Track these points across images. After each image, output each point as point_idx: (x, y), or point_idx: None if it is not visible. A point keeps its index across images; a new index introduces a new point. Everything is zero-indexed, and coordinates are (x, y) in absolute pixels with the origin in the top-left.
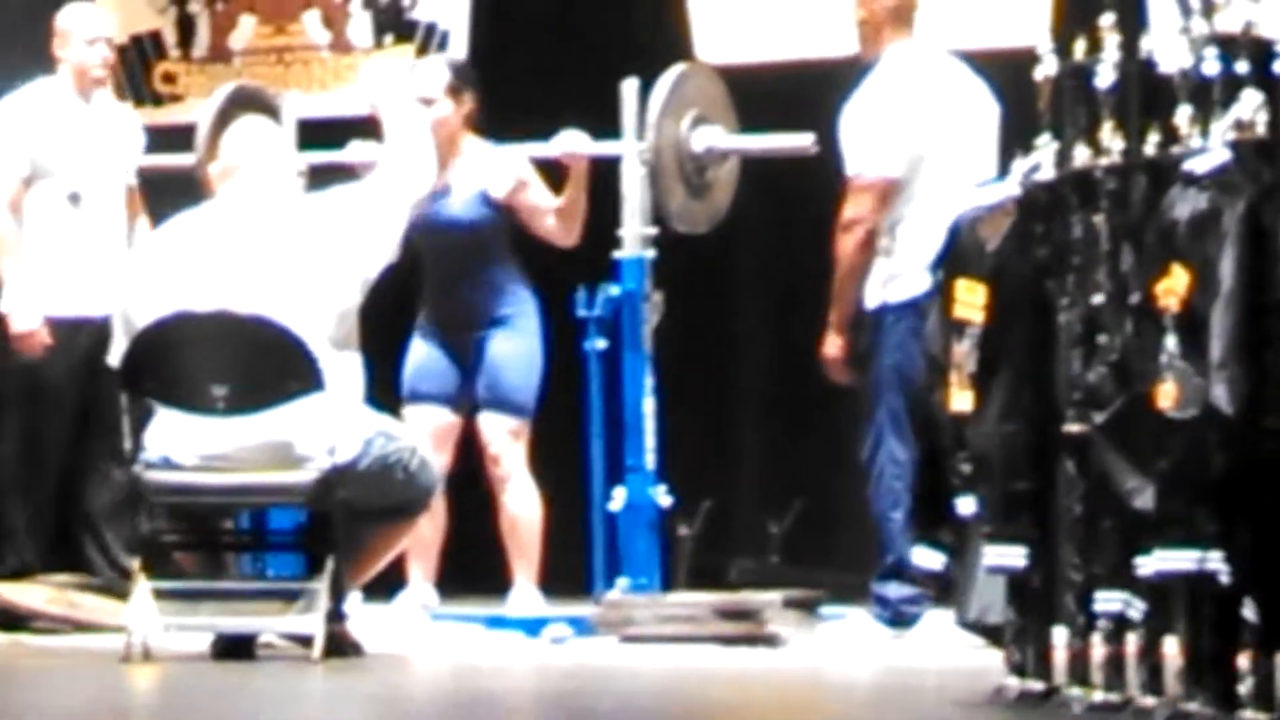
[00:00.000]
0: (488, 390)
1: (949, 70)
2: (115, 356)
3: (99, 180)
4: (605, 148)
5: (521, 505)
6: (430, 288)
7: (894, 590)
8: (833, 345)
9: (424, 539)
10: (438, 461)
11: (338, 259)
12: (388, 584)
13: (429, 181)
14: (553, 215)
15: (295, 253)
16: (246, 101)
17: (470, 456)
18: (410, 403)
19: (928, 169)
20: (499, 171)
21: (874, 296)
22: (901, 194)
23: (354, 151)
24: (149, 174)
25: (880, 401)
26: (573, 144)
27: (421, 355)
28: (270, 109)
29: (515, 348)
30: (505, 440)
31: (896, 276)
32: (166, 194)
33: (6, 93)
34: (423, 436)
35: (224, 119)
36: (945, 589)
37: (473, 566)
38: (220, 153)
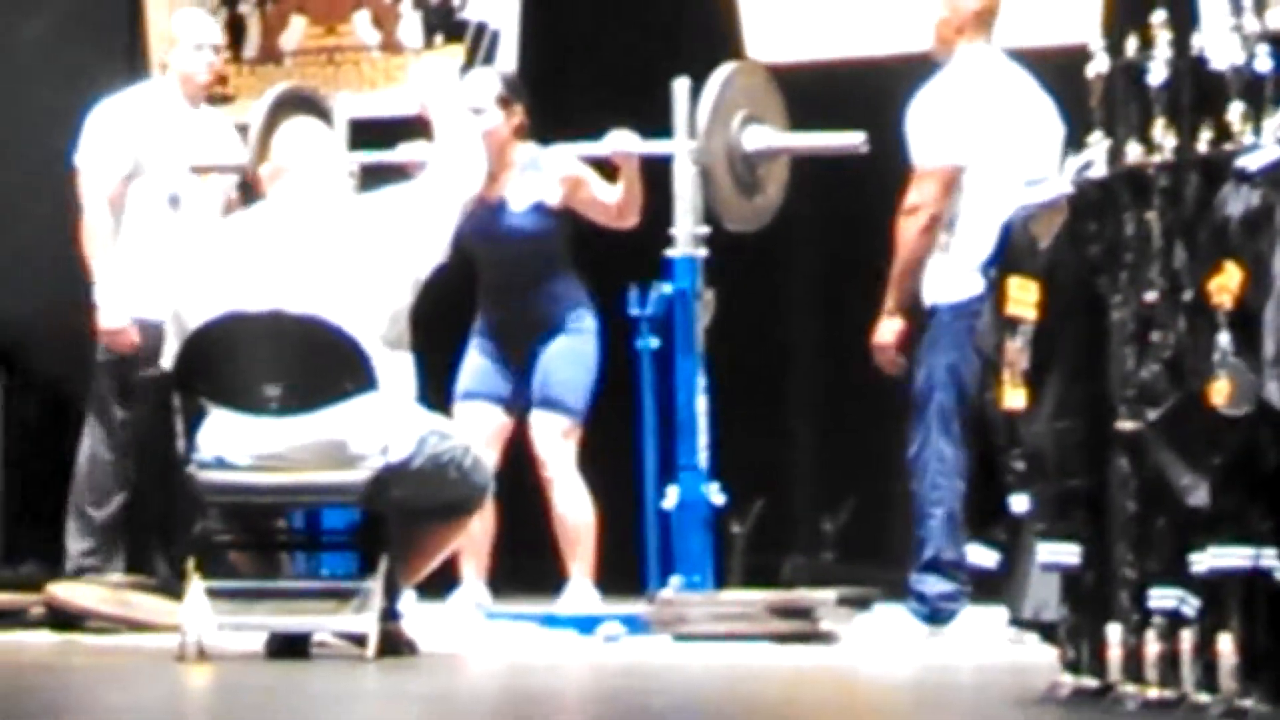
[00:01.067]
0: (540, 390)
1: (1019, 79)
2: (168, 358)
3: (199, 185)
4: (655, 146)
5: (571, 505)
6: (487, 297)
7: (932, 586)
8: (887, 331)
9: (475, 538)
10: (489, 460)
11: (389, 259)
12: (442, 583)
13: (480, 181)
14: (612, 206)
15: (347, 253)
16: (297, 103)
17: (523, 455)
18: (463, 401)
19: (989, 167)
20: (551, 178)
21: (931, 294)
22: (963, 188)
23: (405, 151)
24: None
25: (931, 399)
26: (623, 143)
27: (476, 358)
28: (321, 110)
29: (570, 349)
30: (555, 440)
31: (954, 275)
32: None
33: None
34: (474, 435)
35: (274, 120)
36: (995, 586)
37: (526, 565)
38: (270, 154)
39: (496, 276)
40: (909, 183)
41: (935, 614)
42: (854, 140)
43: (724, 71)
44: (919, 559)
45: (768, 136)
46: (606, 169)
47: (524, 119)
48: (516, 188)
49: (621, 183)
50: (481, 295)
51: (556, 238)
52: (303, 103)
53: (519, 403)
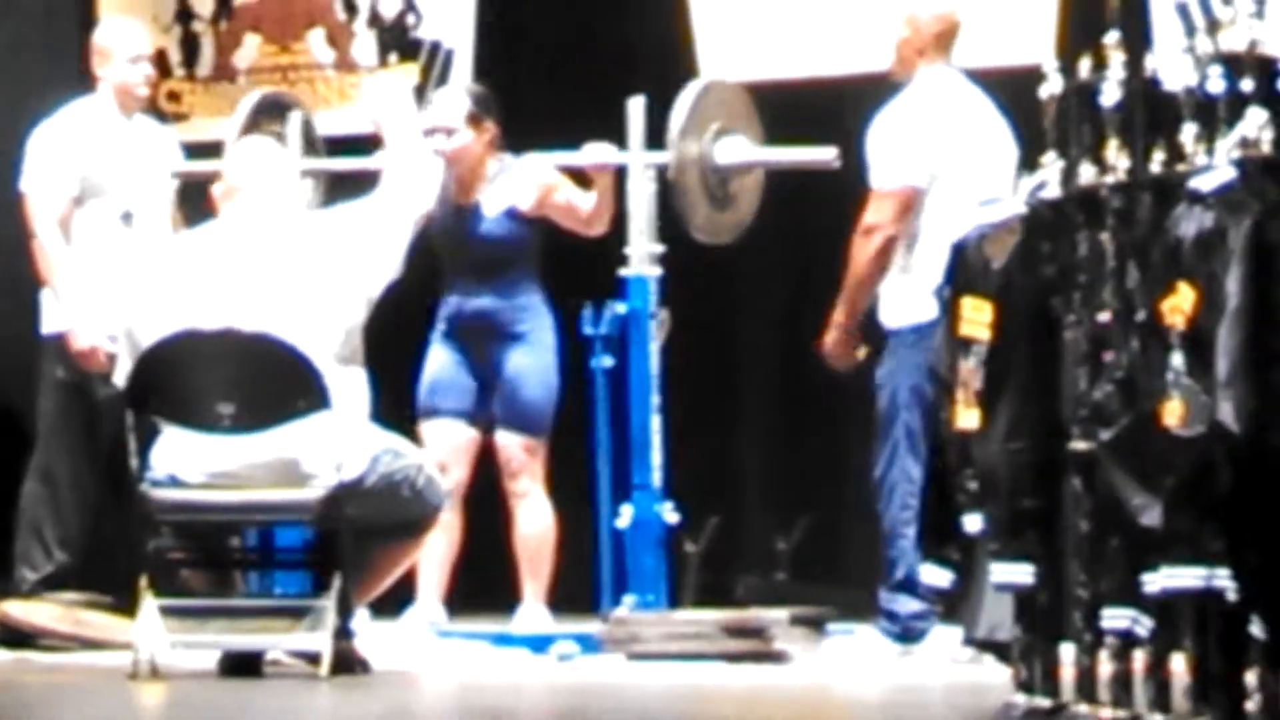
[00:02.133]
0: (505, 407)
1: (977, 101)
2: (120, 376)
3: (148, 199)
4: (631, 158)
5: (536, 522)
6: (452, 296)
7: (902, 605)
8: (834, 340)
9: (437, 555)
10: (453, 477)
11: (342, 276)
12: (397, 600)
13: (430, 198)
14: (584, 212)
15: (300, 270)
16: (271, 108)
17: (483, 473)
18: (427, 418)
19: (949, 189)
20: (523, 183)
21: (892, 316)
22: (923, 210)
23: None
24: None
25: (896, 421)
26: (599, 155)
27: (438, 369)
28: (295, 109)
29: (533, 364)
30: (522, 457)
31: (915, 297)
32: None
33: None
34: (440, 451)
35: (253, 127)
36: (952, 606)
37: (479, 583)
38: (223, 173)
39: (465, 279)
40: (866, 203)
41: (906, 633)
42: (826, 155)
43: (696, 85)
44: (890, 579)
45: (740, 149)
46: (580, 179)
47: (496, 132)
48: (490, 193)
49: (595, 191)
50: (445, 295)
51: (527, 245)
52: (276, 106)
53: (483, 415)
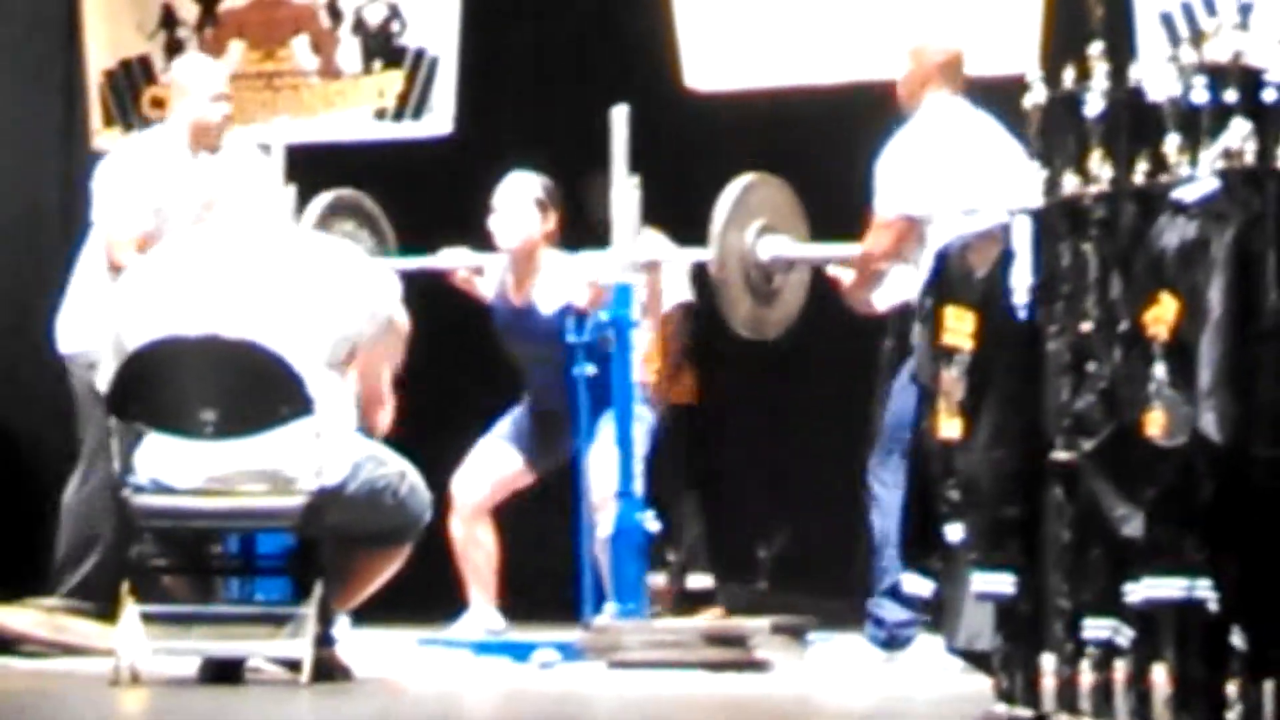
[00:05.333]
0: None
1: (988, 128)
2: (103, 381)
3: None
4: (686, 255)
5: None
6: (529, 394)
7: (890, 612)
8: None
9: (478, 563)
10: (479, 493)
11: (336, 283)
12: (448, 609)
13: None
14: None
15: (286, 277)
16: (342, 208)
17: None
18: (492, 438)
19: (956, 218)
20: (578, 281)
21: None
22: (925, 238)
23: (444, 258)
24: None
25: (901, 436)
26: (654, 251)
27: (521, 421)
28: (368, 214)
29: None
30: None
31: None
32: None
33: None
34: (489, 471)
35: (323, 228)
36: (935, 615)
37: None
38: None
39: (536, 376)
40: (868, 227)
41: (891, 640)
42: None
43: (740, 182)
44: (879, 585)
45: (783, 246)
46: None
47: (556, 227)
48: (542, 293)
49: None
50: (525, 391)
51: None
52: (349, 208)
53: (543, 466)
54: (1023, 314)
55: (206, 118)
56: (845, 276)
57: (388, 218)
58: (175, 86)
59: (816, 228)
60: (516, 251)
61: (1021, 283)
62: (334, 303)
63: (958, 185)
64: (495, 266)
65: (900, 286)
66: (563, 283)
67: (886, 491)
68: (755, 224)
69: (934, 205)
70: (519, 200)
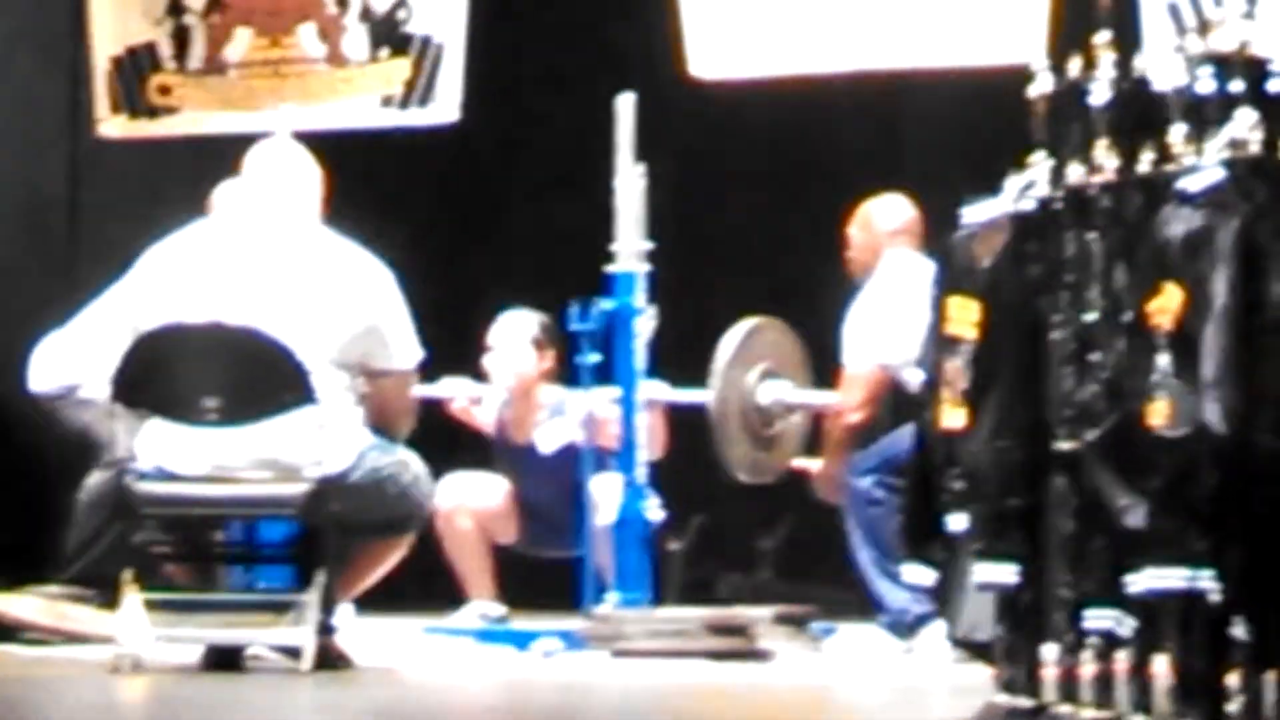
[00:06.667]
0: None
1: None
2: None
3: None
4: (686, 396)
5: None
6: (525, 510)
7: (902, 599)
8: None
9: (469, 557)
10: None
11: (341, 284)
12: (450, 597)
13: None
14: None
15: (300, 271)
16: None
17: None
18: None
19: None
20: (576, 421)
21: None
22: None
23: (444, 388)
24: None
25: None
26: (653, 392)
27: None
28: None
29: None
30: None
31: None
32: None
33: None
34: (485, 495)
35: None
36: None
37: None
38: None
39: (533, 502)
40: (839, 383)
41: (905, 627)
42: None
43: (744, 326)
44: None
45: (784, 391)
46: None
47: (554, 364)
48: (544, 432)
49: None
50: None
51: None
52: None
53: (533, 541)
54: (1027, 304)
55: None
56: (812, 466)
57: (390, 207)
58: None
59: (818, 226)
60: (514, 390)
61: (1025, 272)
62: (342, 301)
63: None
64: (494, 398)
65: None
66: (561, 422)
67: (855, 480)
68: (757, 368)
69: (906, 353)
70: (515, 339)
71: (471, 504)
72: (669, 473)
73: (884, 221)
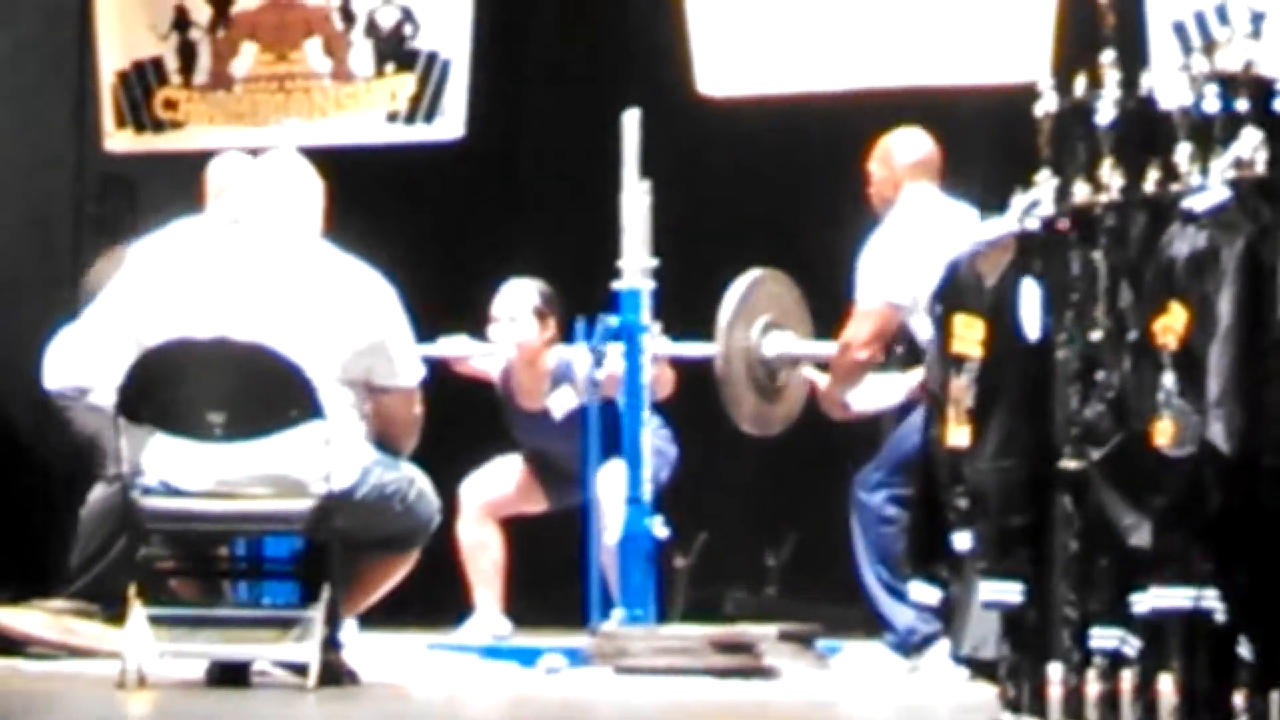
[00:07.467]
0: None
1: (965, 219)
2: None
3: None
4: (693, 349)
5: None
6: (534, 464)
7: (908, 618)
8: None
9: (484, 568)
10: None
11: (348, 302)
12: (455, 613)
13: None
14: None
15: (305, 287)
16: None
17: None
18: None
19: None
20: (585, 381)
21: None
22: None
23: (444, 346)
24: None
25: (893, 453)
26: (660, 347)
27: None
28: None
29: None
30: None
31: None
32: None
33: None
34: (504, 481)
35: None
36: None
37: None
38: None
39: (552, 463)
40: (848, 317)
41: (911, 647)
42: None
43: (746, 279)
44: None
45: (788, 343)
46: None
47: (556, 333)
48: (555, 399)
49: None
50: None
51: (604, 419)
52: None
53: (555, 499)
54: (1032, 323)
55: None
56: (820, 380)
57: (395, 223)
58: (212, 184)
59: (825, 243)
60: (519, 360)
61: (1031, 291)
62: (345, 318)
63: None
64: (498, 362)
65: (877, 391)
66: (569, 388)
67: (867, 496)
68: (761, 320)
69: (917, 293)
70: (517, 310)
71: (490, 500)
72: (674, 490)
73: (903, 155)
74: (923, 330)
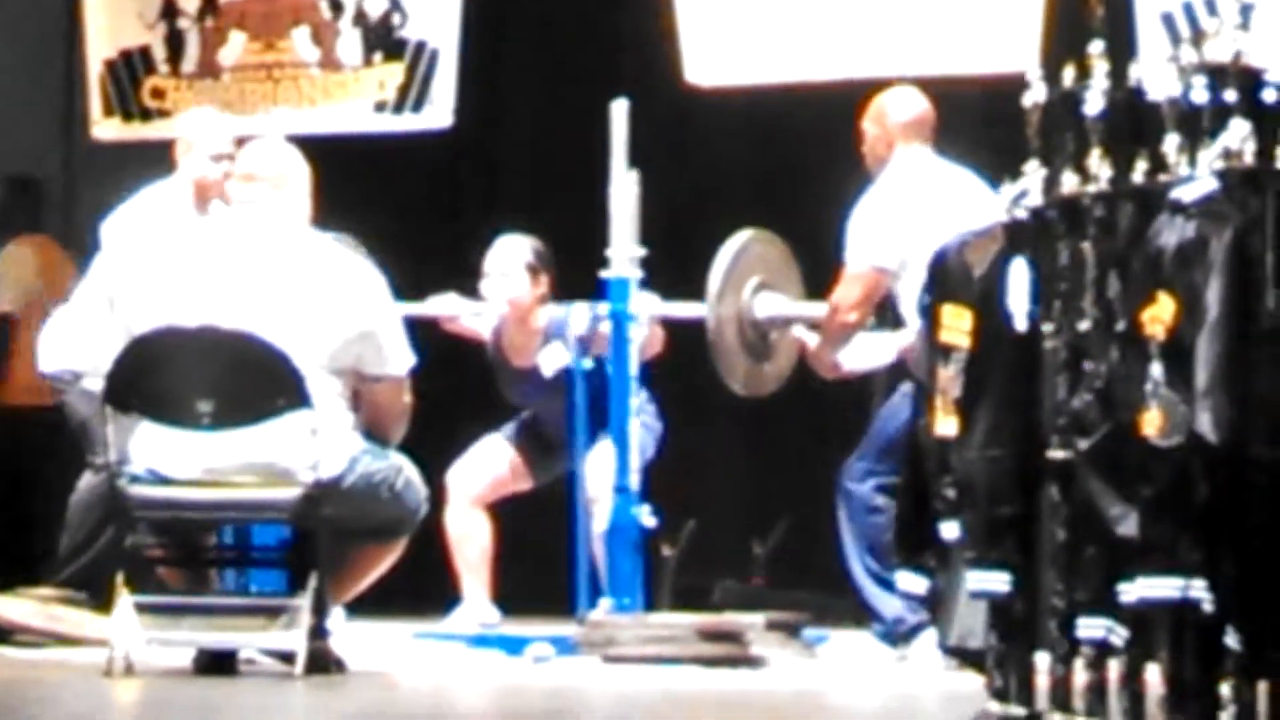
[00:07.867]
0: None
1: (957, 180)
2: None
3: None
4: (682, 309)
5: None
6: (528, 421)
7: (894, 608)
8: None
9: (475, 556)
10: (479, 482)
11: (336, 290)
12: (443, 602)
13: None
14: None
15: (293, 275)
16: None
17: None
18: (493, 435)
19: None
20: (576, 339)
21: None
22: (897, 293)
23: (434, 305)
24: None
25: (879, 438)
26: (648, 306)
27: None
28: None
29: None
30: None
31: None
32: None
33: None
34: (490, 466)
35: None
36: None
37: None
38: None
39: (539, 417)
40: (836, 280)
41: (899, 636)
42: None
43: (736, 240)
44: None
45: (779, 304)
46: None
47: (549, 290)
48: (545, 355)
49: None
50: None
51: (592, 383)
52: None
53: (541, 474)
54: (1020, 313)
55: (207, 176)
56: (810, 340)
57: (384, 212)
58: (181, 141)
59: (813, 233)
60: (510, 316)
61: (1019, 281)
62: (335, 306)
63: (928, 238)
64: (489, 320)
65: (867, 350)
66: (560, 345)
67: (855, 485)
68: (751, 282)
69: (904, 257)
70: (509, 265)
71: (478, 485)
72: (661, 478)
73: (897, 113)
74: (907, 297)
